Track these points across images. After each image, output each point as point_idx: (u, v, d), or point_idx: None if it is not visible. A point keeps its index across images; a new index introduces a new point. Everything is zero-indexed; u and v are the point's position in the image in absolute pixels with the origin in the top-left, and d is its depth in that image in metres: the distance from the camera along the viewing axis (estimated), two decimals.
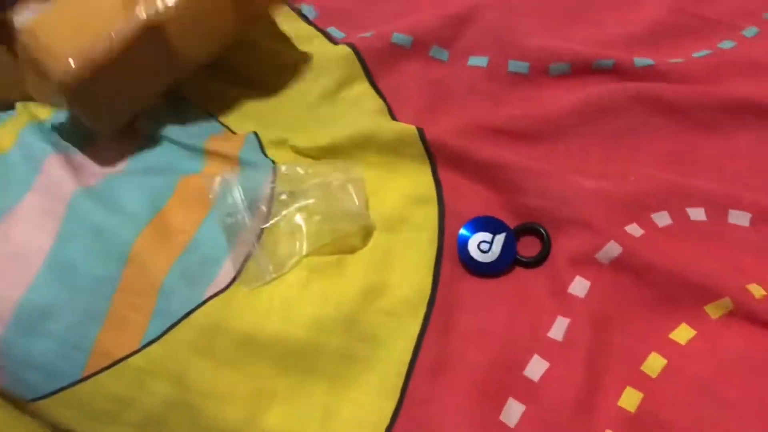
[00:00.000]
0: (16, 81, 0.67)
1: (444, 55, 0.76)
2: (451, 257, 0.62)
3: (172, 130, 0.69)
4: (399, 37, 0.75)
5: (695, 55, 0.76)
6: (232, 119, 0.72)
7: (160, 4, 0.63)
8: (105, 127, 0.67)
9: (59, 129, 0.69)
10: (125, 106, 0.68)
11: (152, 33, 0.63)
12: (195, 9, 0.65)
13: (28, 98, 0.72)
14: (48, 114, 0.72)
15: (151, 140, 0.68)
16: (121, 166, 0.66)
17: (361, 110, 0.72)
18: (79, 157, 0.67)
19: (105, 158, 0.67)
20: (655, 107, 0.70)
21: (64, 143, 0.68)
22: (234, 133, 0.71)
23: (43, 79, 0.62)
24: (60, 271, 0.58)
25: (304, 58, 0.75)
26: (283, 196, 0.61)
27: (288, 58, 0.76)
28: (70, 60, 0.60)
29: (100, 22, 0.62)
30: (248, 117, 0.72)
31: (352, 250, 0.61)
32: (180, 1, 0.63)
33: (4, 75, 0.71)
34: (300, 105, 0.72)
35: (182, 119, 0.70)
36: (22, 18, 0.63)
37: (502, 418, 0.54)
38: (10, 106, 0.73)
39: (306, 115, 0.70)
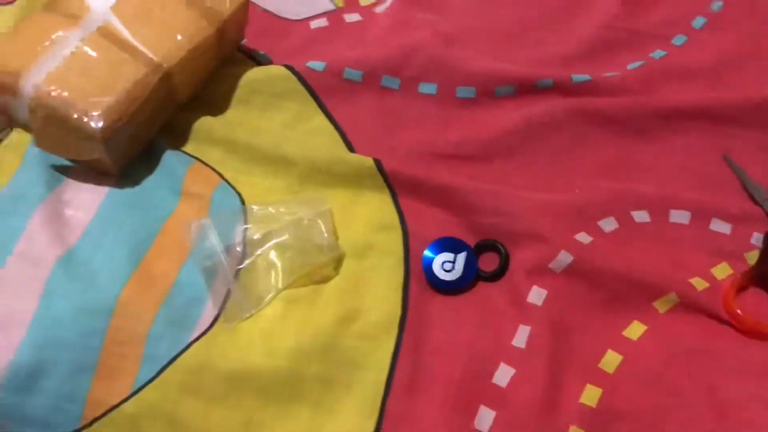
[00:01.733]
0: None
1: (395, 83, 0.80)
2: (418, 278, 0.66)
3: (146, 169, 0.72)
4: (350, 72, 0.79)
5: (630, 66, 0.82)
6: (197, 149, 0.75)
7: (174, 53, 0.70)
8: (122, 167, 0.71)
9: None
10: (137, 146, 0.73)
11: (165, 79, 0.70)
12: (196, 54, 0.72)
13: None
14: None
15: (128, 180, 0.71)
16: (102, 208, 0.69)
17: (320, 143, 0.75)
18: (68, 195, 0.70)
19: (88, 198, 0.70)
20: (593, 120, 0.76)
21: (58, 175, 0.71)
22: (204, 163, 0.74)
23: (63, 134, 0.67)
24: (47, 329, 0.60)
25: (258, 80, 0.79)
26: (257, 236, 0.65)
27: (242, 80, 0.79)
28: (100, 114, 0.65)
29: (119, 74, 0.68)
30: (214, 143, 0.75)
31: (325, 280, 0.65)
32: (189, 48, 0.72)
33: None
34: (262, 135, 0.75)
35: (154, 156, 0.73)
36: (33, 77, 0.67)
37: (476, 425, 0.58)
38: None
39: (269, 145, 0.74)
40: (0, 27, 0.82)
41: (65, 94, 0.66)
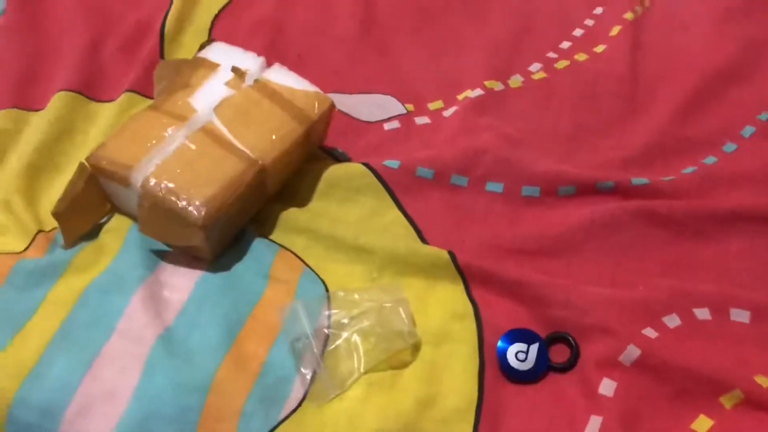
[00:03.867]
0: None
1: (464, 181, 0.86)
2: (492, 366, 0.69)
3: (237, 255, 0.78)
4: (422, 170, 0.86)
5: (684, 171, 0.87)
6: (283, 237, 0.81)
7: (269, 152, 0.78)
8: (216, 253, 0.77)
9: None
10: (231, 234, 0.79)
11: (259, 174, 0.77)
12: (287, 152, 0.80)
13: None
14: None
15: (220, 264, 0.77)
16: (196, 291, 0.74)
17: (396, 235, 0.81)
18: (165, 277, 0.75)
19: (184, 280, 0.75)
20: (653, 221, 0.81)
21: (155, 258, 0.76)
22: (289, 250, 0.80)
23: (167, 221, 0.74)
24: (147, 403, 0.64)
25: (338, 176, 0.86)
26: (345, 320, 0.69)
27: (324, 175, 0.86)
28: (201, 204, 0.72)
29: (219, 169, 0.75)
30: (298, 233, 0.80)
31: (403, 365, 0.69)
32: (282, 148, 0.79)
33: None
34: (342, 225, 0.81)
35: (243, 243, 0.79)
36: (143, 170, 0.74)
37: None
38: None
39: (349, 235, 0.79)
40: (107, 119, 0.91)
41: (171, 185, 0.73)
